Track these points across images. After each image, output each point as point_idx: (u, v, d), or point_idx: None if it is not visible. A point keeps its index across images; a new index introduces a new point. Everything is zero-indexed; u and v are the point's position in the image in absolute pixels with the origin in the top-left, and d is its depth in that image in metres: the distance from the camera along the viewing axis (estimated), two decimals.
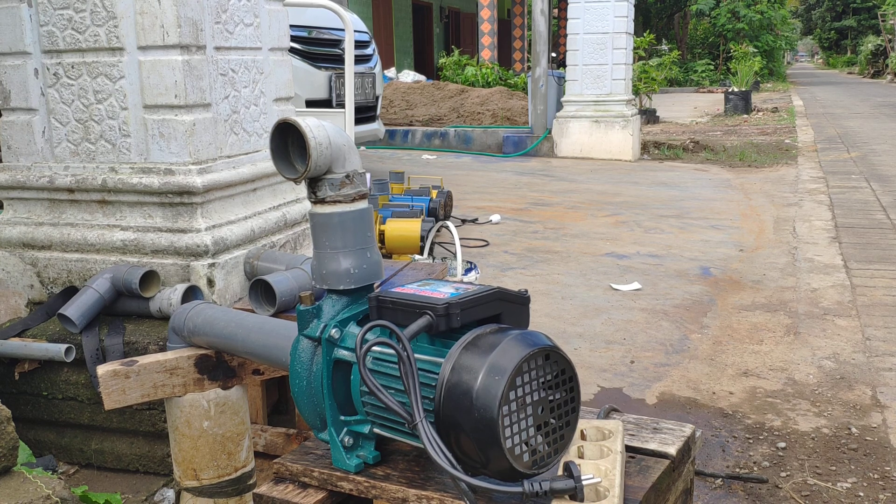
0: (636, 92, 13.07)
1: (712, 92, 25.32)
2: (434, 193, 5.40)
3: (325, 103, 6.20)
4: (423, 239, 4.34)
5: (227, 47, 2.52)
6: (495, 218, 6.02)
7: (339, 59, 6.05)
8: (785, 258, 4.92)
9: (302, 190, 2.90)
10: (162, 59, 2.32)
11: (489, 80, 13.97)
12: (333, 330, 1.34)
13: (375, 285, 1.44)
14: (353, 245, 1.37)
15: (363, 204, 1.39)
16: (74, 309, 2.22)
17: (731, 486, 2.33)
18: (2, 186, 2.58)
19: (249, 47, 2.63)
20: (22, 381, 2.30)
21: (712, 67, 30.43)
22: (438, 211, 5.20)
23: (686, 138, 11.44)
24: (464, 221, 5.86)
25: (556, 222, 6.03)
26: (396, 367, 1.22)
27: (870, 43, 37.00)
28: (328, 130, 1.33)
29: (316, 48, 6.20)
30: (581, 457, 1.29)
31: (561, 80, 10.26)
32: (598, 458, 1.28)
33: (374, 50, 7.16)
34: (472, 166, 9.46)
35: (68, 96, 2.46)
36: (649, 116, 14.36)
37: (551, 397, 1.18)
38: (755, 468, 2.43)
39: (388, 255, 4.35)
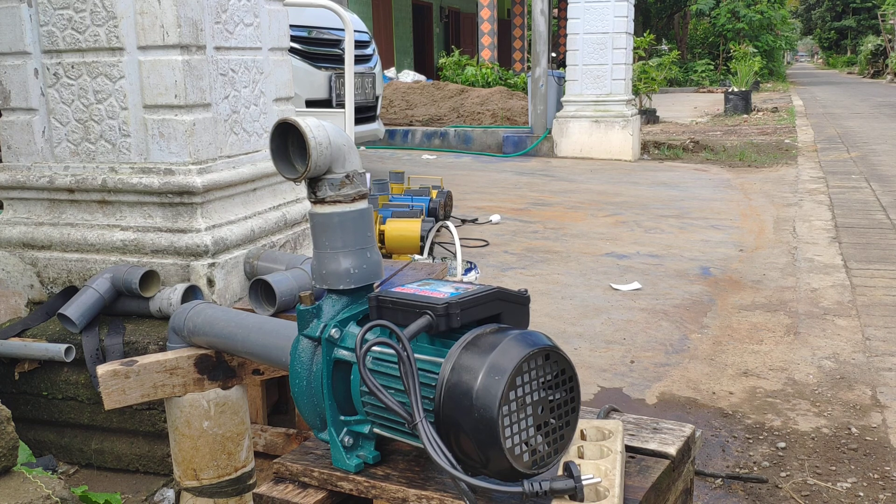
0: (636, 92, 13.07)
1: (712, 92, 25.32)
2: (434, 193, 5.40)
3: (325, 103, 6.20)
4: (423, 239, 4.34)
5: (227, 47, 2.51)
6: (495, 218, 6.02)
7: (339, 59, 6.05)
8: (785, 258, 4.92)
9: (302, 190, 2.90)
10: (162, 59, 2.32)
11: (489, 80, 13.97)
12: (333, 330, 1.34)
13: (375, 285, 1.44)
14: (353, 245, 1.37)
15: (363, 204, 1.39)
16: (74, 309, 2.22)
17: (731, 486, 2.33)
18: (2, 186, 2.58)
19: (249, 47, 2.63)
20: (22, 381, 2.30)
21: (712, 67, 30.42)
22: (438, 211, 5.20)
23: (686, 138, 11.44)
24: (464, 221, 5.86)
25: (556, 222, 6.03)
26: (396, 367, 1.22)
27: (870, 43, 37.01)
28: (328, 130, 1.33)
29: (316, 48, 6.20)
30: (581, 457, 1.29)
31: (561, 80, 10.26)
32: (598, 458, 1.28)
33: (374, 50, 7.16)
34: (472, 166, 9.46)
35: (68, 96, 2.46)
36: (649, 116, 14.36)
37: (551, 397, 1.18)
38: (755, 468, 2.43)
39: (388, 255, 4.35)
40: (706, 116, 16.66)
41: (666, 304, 3.98)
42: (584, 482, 1.14)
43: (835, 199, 6.89)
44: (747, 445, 2.57)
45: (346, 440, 1.34)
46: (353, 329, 1.36)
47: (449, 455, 1.14)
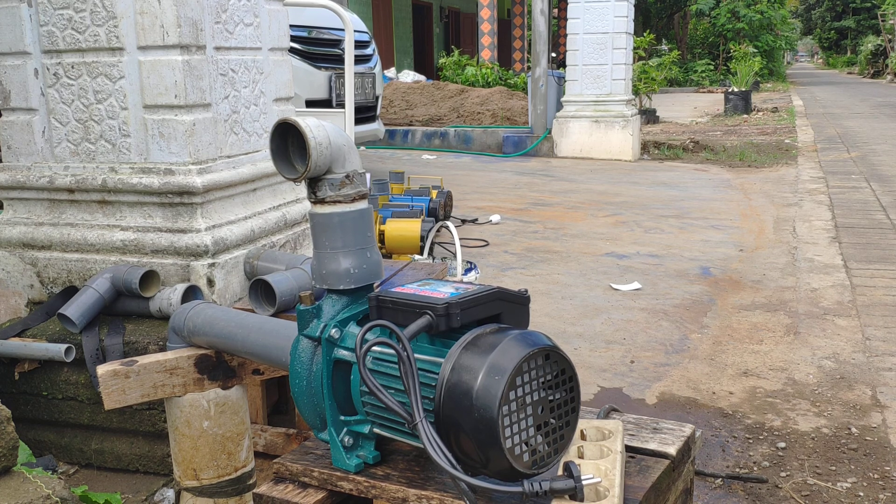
0: (636, 92, 13.07)
1: (712, 92, 25.32)
2: (434, 193, 5.40)
3: (325, 103, 6.20)
4: (423, 239, 4.34)
5: (227, 47, 2.51)
6: (495, 218, 6.02)
7: (339, 59, 6.05)
8: (785, 258, 4.92)
9: (302, 190, 2.90)
10: (162, 59, 2.32)
11: (489, 80, 13.97)
12: (333, 330, 1.34)
13: (375, 285, 1.44)
14: (353, 245, 1.37)
15: (363, 204, 1.39)
16: (74, 309, 2.22)
17: (731, 486, 2.33)
18: (2, 186, 2.58)
19: (249, 47, 2.63)
20: (22, 381, 2.30)
21: (712, 67, 30.41)
22: (438, 211, 5.20)
23: (686, 138, 11.44)
24: (464, 221, 5.86)
25: (555, 222, 6.03)
26: (396, 367, 1.22)
27: (870, 43, 37.02)
28: (328, 130, 1.33)
29: (316, 48, 6.20)
30: (581, 457, 1.29)
31: (561, 80, 10.26)
32: (598, 458, 1.28)
33: (374, 50, 7.16)
34: (472, 166, 9.46)
35: (68, 96, 2.46)
36: (649, 116, 14.36)
37: (551, 397, 1.18)
38: (755, 468, 2.43)
39: (388, 255, 4.35)
40: (706, 116, 16.66)
41: (666, 304, 3.98)
42: (584, 482, 1.14)
43: (835, 199, 6.89)
44: (747, 445, 2.57)
45: (346, 440, 1.34)
46: (353, 329, 1.36)
47: (449, 455, 1.14)
